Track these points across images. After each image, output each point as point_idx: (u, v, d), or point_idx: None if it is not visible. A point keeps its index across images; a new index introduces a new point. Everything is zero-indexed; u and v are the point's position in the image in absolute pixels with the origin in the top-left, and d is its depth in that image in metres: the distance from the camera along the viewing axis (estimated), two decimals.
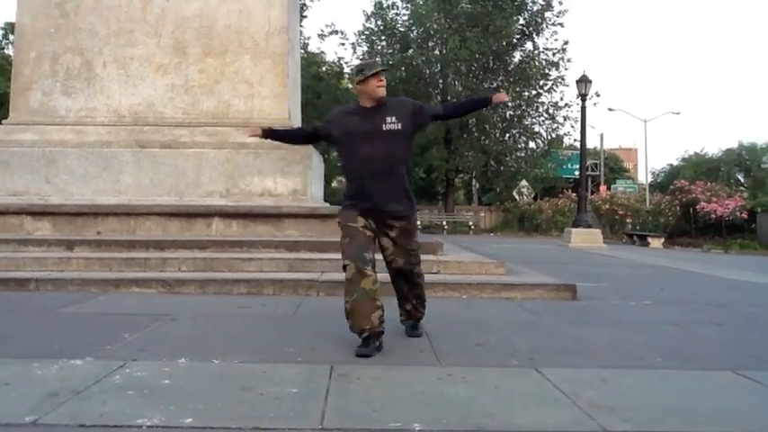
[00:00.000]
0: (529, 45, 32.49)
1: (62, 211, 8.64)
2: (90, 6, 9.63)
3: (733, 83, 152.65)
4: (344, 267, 3.89)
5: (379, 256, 4.13)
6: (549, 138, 33.45)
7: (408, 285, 4.36)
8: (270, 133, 4.48)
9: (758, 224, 23.39)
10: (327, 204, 10.03)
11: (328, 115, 4.37)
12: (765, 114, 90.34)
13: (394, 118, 4.01)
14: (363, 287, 3.82)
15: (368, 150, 3.98)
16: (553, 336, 4.67)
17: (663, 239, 23.19)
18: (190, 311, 5.25)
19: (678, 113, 71.78)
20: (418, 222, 25.66)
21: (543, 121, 32.85)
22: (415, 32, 32.10)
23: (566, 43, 32.34)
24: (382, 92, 4.02)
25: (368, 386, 3.20)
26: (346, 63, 32.84)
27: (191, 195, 9.09)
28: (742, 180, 39.77)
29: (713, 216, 23.19)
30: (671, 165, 46.70)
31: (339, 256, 4.02)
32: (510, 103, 32.30)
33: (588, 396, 3.09)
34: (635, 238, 24.75)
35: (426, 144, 31.01)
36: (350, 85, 34.19)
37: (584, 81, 21.08)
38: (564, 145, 37.59)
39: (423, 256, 7.61)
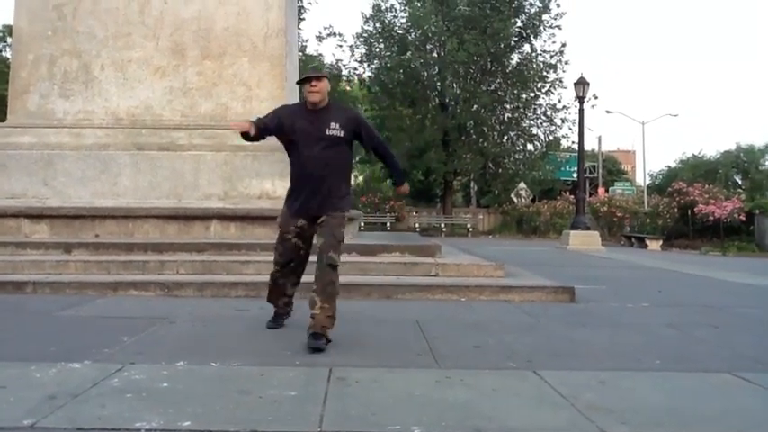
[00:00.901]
0: (526, 47, 32.51)
1: (60, 214, 8.62)
2: (87, 9, 9.63)
3: (731, 85, 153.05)
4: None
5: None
6: (547, 140, 33.47)
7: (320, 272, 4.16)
8: (259, 131, 4.29)
9: (756, 226, 23.41)
10: None
11: (277, 107, 4.70)
12: (763, 116, 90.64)
13: (338, 125, 4.25)
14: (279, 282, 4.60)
15: (308, 153, 4.25)
16: (551, 338, 4.68)
17: (661, 242, 23.22)
18: (188, 314, 5.25)
19: (676, 116, 71.83)
20: (416, 225, 25.57)
21: (541, 123, 32.86)
22: (412, 35, 32.09)
23: (563, 45, 32.35)
24: (312, 97, 4.24)
25: (366, 389, 3.20)
26: (344, 65, 32.86)
27: (189, 198, 9.08)
28: (740, 182, 39.83)
29: (711, 218, 23.21)
30: (669, 167, 46.71)
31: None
32: (508, 106, 32.35)
33: (586, 398, 3.09)
34: (633, 240, 24.78)
35: (424, 146, 31.02)
36: (348, 88, 34.32)
37: (581, 83, 21.12)
38: (562, 147, 37.61)
39: (421, 259, 7.70)
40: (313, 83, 4.22)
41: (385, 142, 4.65)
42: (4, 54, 29.28)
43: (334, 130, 4.23)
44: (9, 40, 24.48)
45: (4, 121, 9.79)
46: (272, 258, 4.64)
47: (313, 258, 4.28)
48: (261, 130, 4.29)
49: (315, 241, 4.31)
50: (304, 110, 4.37)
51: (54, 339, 4.23)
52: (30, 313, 5.28)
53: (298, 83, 4.40)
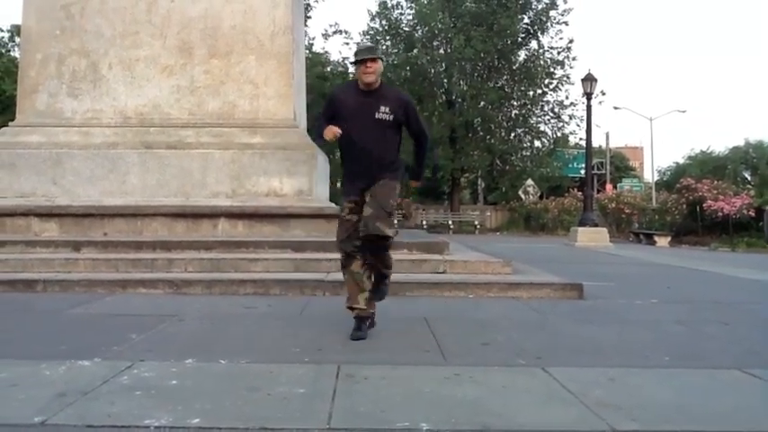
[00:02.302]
0: (534, 44, 32.48)
1: (69, 213, 8.67)
2: (95, 8, 9.66)
3: (739, 80, 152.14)
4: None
5: None
6: (555, 137, 33.40)
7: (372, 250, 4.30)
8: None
9: (765, 222, 23.26)
10: (333, 204, 10.02)
11: (330, 93, 4.65)
12: None
13: (387, 108, 4.22)
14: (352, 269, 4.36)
15: (359, 133, 4.23)
16: (560, 335, 4.66)
17: (669, 238, 23.10)
18: (196, 312, 5.27)
19: (684, 111, 71.48)
20: (423, 222, 25.52)
21: (549, 120, 32.82)
22: (419, 32, 32.08)
23: (571, 42, 32.23)
24: (367, 78, 4.22)
25: (375, 386, 3.20)
26: (351, 63, 32.81)
27: (197, 196, 9.11)
28: (749, 178, 39.61)
29: (720, 214, 23.09)
30: (677, 163, 46.61)
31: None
32: (515, 103, 32.29)
33: (596, 395, 3.08)
34: (641, 236, 24.67)
35: (431, 143, 30.98)
36: None
37: (589, 79, 21.05)
38: (569, 144, 37.53)
39: (429, 255, 7.69)
40: (368, 64, 4.19)
41: (428, 136, 4.57)
42: (12, 53, 29.41)
43: (384, 113, 4.22)
44: (17, 39, 24.58)
45: (13, 120, 9.83)
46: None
47: None
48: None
49: (362, 211, 4.24)
50: (356, 90, 4.35)
51: (64, 337, 4.25)
52: (39, 311, 5.31)
53: (352, 63, 4.39)
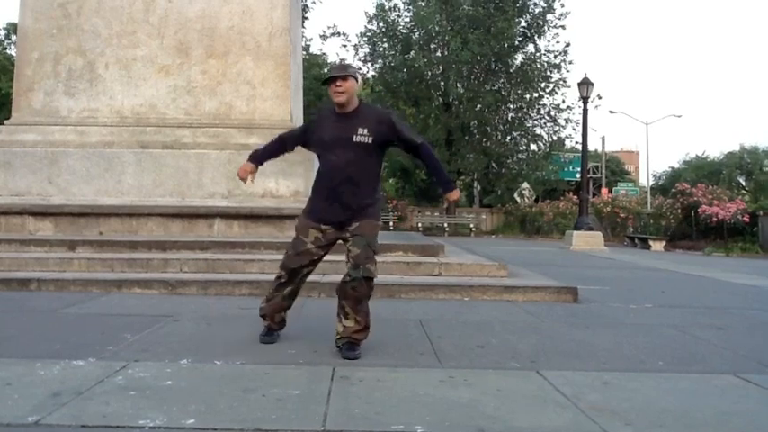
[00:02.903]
0: (530, 47, 32.45)
1: (64, 212, 8.66)
2: (92, 7, 9.65)
3: (735, 86, 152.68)
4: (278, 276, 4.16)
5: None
6: (551, 140, 33.40)
7: (355, 284, 3.87)
8: (257, 160, 4.25)
9: (760, 228, 23.33)
10: None
11: (309, 119, 4.32)
12: (767, 118, 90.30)
13: (365, 130, 3.86)
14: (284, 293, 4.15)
15: (336, 160, 3.90)
16: (554, 338, 4.67)
17: (664, 242, 23.17)
18: (192, 312, 5.26)
19: (680, 116, 71.48)
20: (419, 225, 25.39)
21: (545, 123, 32.80)
22: (416, 34, 32.06)
23: (567, 45, 32.23)
24: (338, 98, 3.90)
25: (370, 388, 3.20)
26: (321, 84, 32.84)
27: (193, 196, 9.10)
28: (743, 183, 39.78)
29: (714, 219, 23.15)
30: (672, 168, 46.80)
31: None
32: (511, 106, 32.32)
33: (590, 399, 3.09)
34: (636, 240, 24.72)
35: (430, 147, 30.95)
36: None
37: (585, 84, 21.09)
38: (565, 147, 37.56)
39: (424, 258, 7.70)
40: (338, 83, 3.85)
41: (427, 145, 4.13)
42: (8, 51, 29.35)
43: (362, 136, 3.84)
44: (14, 37, 24.52)
45: (8, 118, 9.81)
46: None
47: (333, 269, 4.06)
48: (268, 156, 4.25)
49: (349, 249, 3.90)
50: (333, 113, 4.01)
51: (58, 337, 4.24)
52: (34, 311, 5.30)
53: (323, 83, 4.05)
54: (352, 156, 3.85)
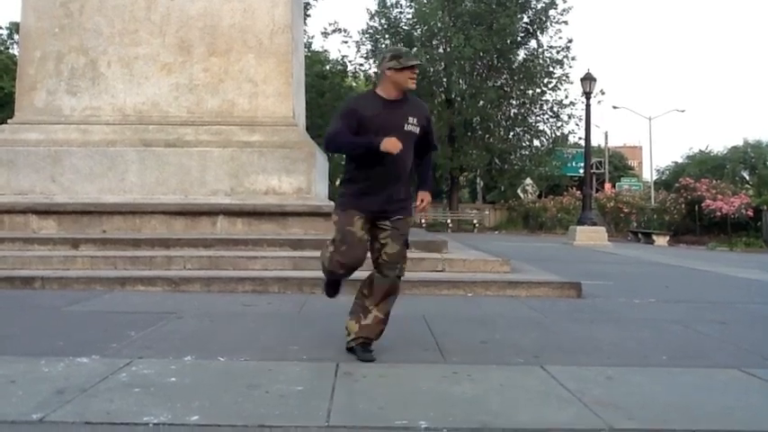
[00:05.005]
0: (533, 43, 32.43)
1: (67, 210, 8.67)
2: (95, 6, 9.64)
3: (738, 80, 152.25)
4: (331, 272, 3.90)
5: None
6: (554, 136, 33.34)
7: (388, 282, 3.82)
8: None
9: (763, 222, 23.29)
10: (332, 202, 10.02)
11: (347, 105, 3.93)
12: None
13: (415, 120, 3.73)
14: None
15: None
16: (558, 333, 4.67)
17: (668, 237, 23.14)
18: (195, 310, 5.27)
19: (683, 111, 71.37)
20: (422, 221, 25.30)
21: (548, 119, 32.77)
22: (418, 31, 32.03)
23: (570, 41, 32.18)
24: (413, 85, 3.71)
25: (373, 384, 3.20)
26: (350, 62, 32.85)
27: (195, 194, 9.11)
28: (747, 178, 39.68)
29: (718, 214, 23.11)
30: (676, 162, 46.69)
31: None
32: (514, 102, 32.28)
33: (594, 394, 3.09)
34: (640, 235, 24.70)
35: None
36: (354, 84, 34.26)
37: (588, 79, 21.05)
38: (568, 143, 37.50)
39: (428, 254, 7.69)
40: (416, 69, 3.69)
41: (437, 147, 4.11)
42: (11, 51, 29.38)
43: (412, 125, 3.71)
44: (16, 36, 24.54)
45: (11, 117, 9.82)
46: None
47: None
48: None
49: (384, 244, 3.76)
50: (379, 101, 3.73)
51: (62, 334, 4.25)
52: (38, 308, 5.31)
53: (391, 68, 3.66)
54: (403, 145, 3.61)
